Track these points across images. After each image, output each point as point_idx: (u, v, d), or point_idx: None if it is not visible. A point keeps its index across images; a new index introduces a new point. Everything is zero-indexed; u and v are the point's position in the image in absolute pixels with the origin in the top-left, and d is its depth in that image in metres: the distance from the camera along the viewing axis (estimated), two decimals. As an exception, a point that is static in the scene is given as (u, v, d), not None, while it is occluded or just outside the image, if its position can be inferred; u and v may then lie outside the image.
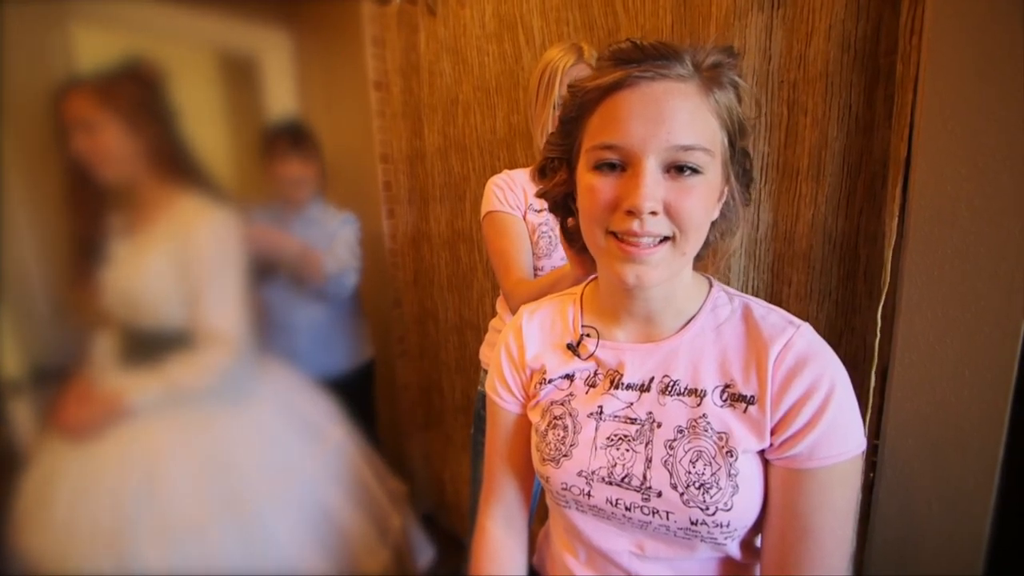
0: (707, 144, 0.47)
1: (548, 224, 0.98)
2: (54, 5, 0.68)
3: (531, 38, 1.22)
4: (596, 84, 0.48)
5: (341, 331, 1.25)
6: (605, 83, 0.48)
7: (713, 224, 0.54)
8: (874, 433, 0.76)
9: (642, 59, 0.47)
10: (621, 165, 0.48)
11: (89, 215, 0.74)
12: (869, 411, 0.76)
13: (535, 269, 0.98)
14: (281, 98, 0.97)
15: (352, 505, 1.05)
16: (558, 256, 0.97)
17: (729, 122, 0.49)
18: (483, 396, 1.11)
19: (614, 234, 0.49)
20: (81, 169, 0.70)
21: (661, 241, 0.48)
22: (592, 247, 0.53)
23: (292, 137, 1.01)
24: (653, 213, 0.46)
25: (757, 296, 0.59)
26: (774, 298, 0.88)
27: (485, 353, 1.13)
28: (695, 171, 0.47)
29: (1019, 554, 0.69)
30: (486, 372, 1.10)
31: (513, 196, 0.99)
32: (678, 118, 0.45)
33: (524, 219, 0.99)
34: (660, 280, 0.49)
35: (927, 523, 0.73)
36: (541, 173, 0.60)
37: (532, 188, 1.00)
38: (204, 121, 0.82)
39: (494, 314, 1.13)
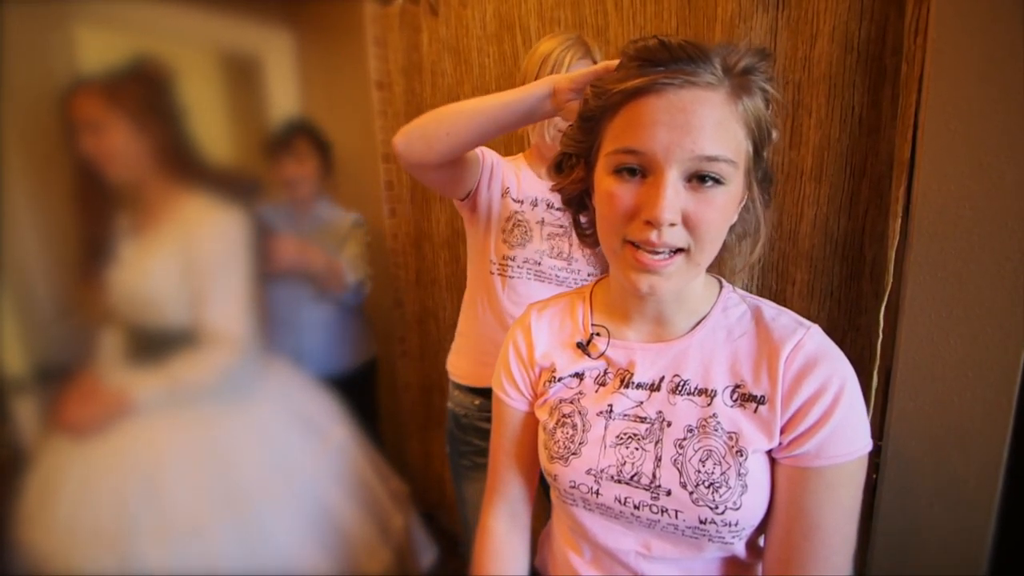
0: (732, 155, 0.46)
1: (524, 214, 0.94)
2: (56, 6, 0.68)
3: (528, 39, 1.22)
4: (621, 88, 0.46)
5: (345, 329, 1.25)
6: (630, 87, 0.46)
7: (731, 228, 0.53)
8: (877, 433, 0.76)
9: (669, 61, 0.45)
10: (642, 171, 0.47)
11: (96, 214, 0.74)
12: (872, 411, 0.76)
13: (506, 259, 0.94)
14: (284, 98, 0.97)
15: (354, 505, 1.04)
16: (532, 248, 0.93)
17: (756, 130, 0.48)
18: (454, 415, 1.04)
19: (630, 242, 0.48)
20: (88, 169, 0.70)
21: (676, 252, 0.48)
22: (607, 251, 0.53)
23: (284, 138, 1.01)
24: (672, 224, 0.45)
25: (760, 295, 0.59)
26: (778, 297, 0.88)
27: (453, 363, 1.05)
28: (717, 182, 0.45)
29: (1022, 555, 0.69)
30: (456, 385, 1.04)
31: (502, 168, 0.95)
32: (705, 127, 0.44)
33: (503, 197, 0.94)
34: (674, 290, 0.49)
35: (929, 524, 0.73)
36: (557, 169, 0.59)
37: (509, 173, 0.95)
38: (206, 121, 0.82)
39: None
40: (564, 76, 0.67)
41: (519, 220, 0.94)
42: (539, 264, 0.94)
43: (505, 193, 0.95)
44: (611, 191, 0.48)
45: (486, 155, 0.93)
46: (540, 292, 0.92)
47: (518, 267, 0.94)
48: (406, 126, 0.78)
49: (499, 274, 0.95)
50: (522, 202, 0.95)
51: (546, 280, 0.94)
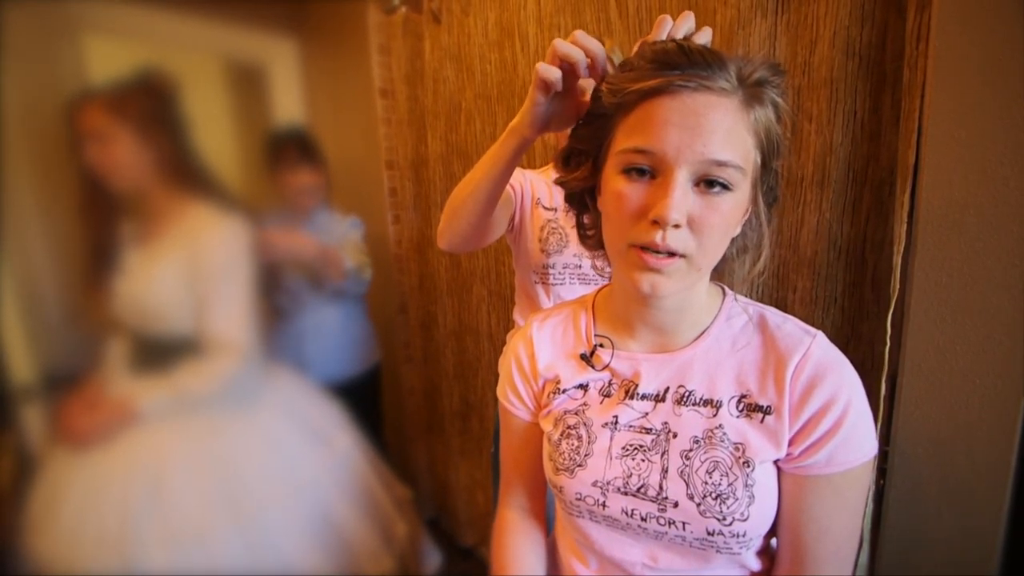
0: (741, 162, 0.45)
1: (558, 221, 0.94)
2: (63, 14, 0.69)
3: (527, 45, 1.23)
4: (637, 87, 0.46)
5: (349, 335, 1.25)
6: (645, 87, 0.46)
7: (732, 240, 0.53)
8: (884, 441, 0.75)
9: (686, 65, 0.45)
10: (651, 172, 0.47)
11: (102, 224, 0.74)
12: (880, 419, 0.76)
13: (546, 267, 0.95)
14: (288, 106, 0.97)
15: (357, 511, 1.04)
16: (569, 253, 0.94)
17: (765, 141, 0.48)
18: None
19: (636, 246, 0.48)
20: (94, 179, 0.71)
21: (680, 255, 0.47)
22: (611, 253, 0.53)
23: (302, 146, 1.01)
24: (676, 226, 0.45)
25: (762, 303, 0.59)
26: (779, 304, 0.88)
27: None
28: (725, 187, 0.45)
29: (1031, 564, 0.68)
30: None
31: (530, 182, 0.96)
32: (716, 132, 0.44)
33: (533, 208, 0.96)
34: (674, 291, 0.49)
35: (937, 530, 0.72)
36: (565, 162, 0.58)
37: (540, 184, 0.98)
38: (211, 129, 0.82)
39: (511, 325, 1.08)
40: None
41: (553, 227, 0.95)
42: (580, 267, 0.94)
43: (536, 204, 0.96)
44: (620, 191, 0.48)
45: (514, 184, 0.95)
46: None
47: (559, 273, 0.95)
48: (439, 228, 0.88)
49: (541, 283, 0.96)
50: (555, 209, 0.96)
51: (590, 282, 0.95)
